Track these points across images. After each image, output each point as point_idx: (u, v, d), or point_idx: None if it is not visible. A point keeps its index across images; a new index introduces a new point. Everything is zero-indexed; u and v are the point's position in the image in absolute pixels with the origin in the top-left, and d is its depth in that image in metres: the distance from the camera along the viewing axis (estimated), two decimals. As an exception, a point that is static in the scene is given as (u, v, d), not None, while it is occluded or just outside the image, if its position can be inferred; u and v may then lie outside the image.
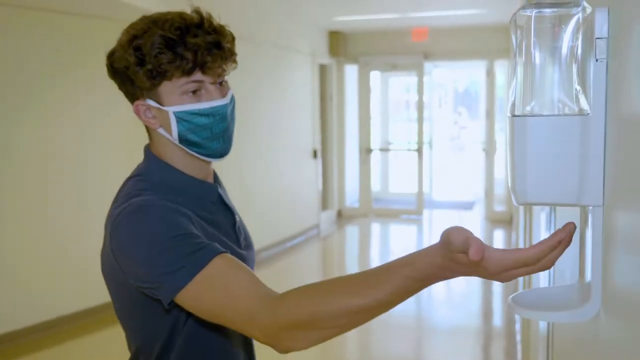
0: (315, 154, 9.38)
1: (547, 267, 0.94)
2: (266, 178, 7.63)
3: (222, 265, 1.22)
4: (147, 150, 1.44)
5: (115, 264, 1.31)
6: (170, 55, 1.28)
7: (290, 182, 8.53)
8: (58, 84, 5.21)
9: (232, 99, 1.40)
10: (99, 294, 5.37)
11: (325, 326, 1.14)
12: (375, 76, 11.21)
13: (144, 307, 1.34)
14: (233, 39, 1.39)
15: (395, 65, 10.52)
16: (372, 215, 10.44)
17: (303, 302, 1.15)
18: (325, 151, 9.97)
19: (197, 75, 1.32)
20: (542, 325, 2.14)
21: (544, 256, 0.93)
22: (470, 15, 8.57)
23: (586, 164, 0.87)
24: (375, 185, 11.22)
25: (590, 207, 0.90)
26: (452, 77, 15.17)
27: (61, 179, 5.28)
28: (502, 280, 1.00)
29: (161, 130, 1.38)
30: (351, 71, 10.46)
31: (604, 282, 0.87)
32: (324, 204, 9.96)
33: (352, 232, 9.96)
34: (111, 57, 1.35)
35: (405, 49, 9.95)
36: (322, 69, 9.76)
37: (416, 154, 10.25)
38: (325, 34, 9.74)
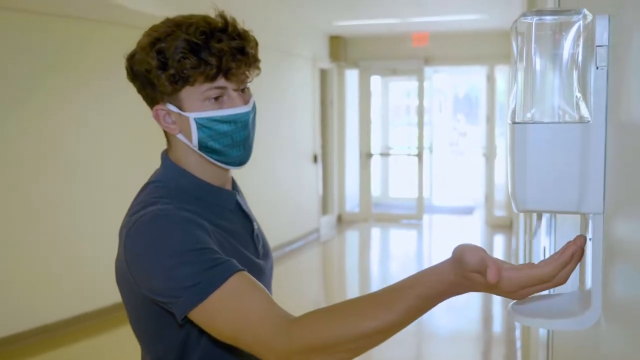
0: (315, 159, 9.38)
1: (562, 283, 0.95)
2: (266, 182, 7.63)
3: (238, 284, 1.19)
4: (165, 156, 1.41)
5: (128, 274, 1.28)
6: (195, 60, 1.24)
7: (291, 186, 8.53)
8: (44, 87, 5.22)
9: (254, 107, 1.37)
10: (100, 296, 5.40)
11: (340, 350, 1.12)
12: (375, 81, 11.22)
13: (158, 318, 1.30)
14: (256, 44, 1.36)
15: (396, 70, 10.53)
16: (372, 220, 10.44)
17: (317, 326, 1.13)
18: (326, 156, 9.97)
19: (220, 82, 1.28)
20: (542, 332, 2.13)
21: (559, 272, 0.93)
22: (470, 20, 8.58)
23: (586, 172, 0.87)
24: (376, 190, 11.22)
25: (591, 215, 0.90)
26: (452, 82, 15.18)
27: (47, 179, 5.29)
28: (516, 298, 0.99)
29: (180, 136, 1.34)
30: (352, 76, 10.47)
31: (605, 289, 0.87)
32: (324, 209, 9.96)
33: (352, 236, 9.96)
34: (131, 60, 1.32)
35: (406, 54, 9.96)
36: (323, 74, 9.77)
37: (416, 158, 10.25)
38: (326, 39, 9.75)
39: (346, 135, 10.36)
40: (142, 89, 1.34)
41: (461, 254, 0.99)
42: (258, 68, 1.36)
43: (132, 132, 5.72)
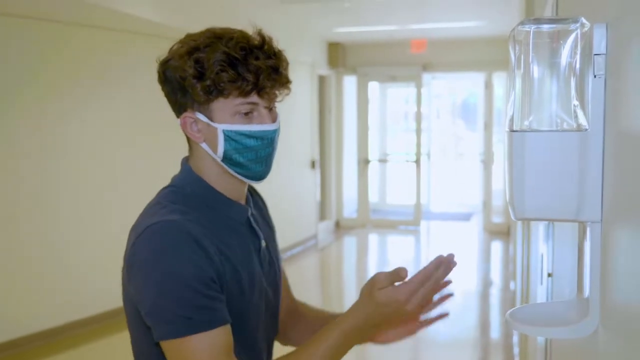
0: (313, 165, 9.39)
1: (442, 279, 1.32)
2: (264, 188, 7.60)
3: (218, 339, 1.24)
4: (185, 162, 1.43)
5: (125, 271, 1.32)
6: (232, 74, 1.27)
7: (288, 192, 8.53)
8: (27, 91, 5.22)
9: (279, 126, 1.40)
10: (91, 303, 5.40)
11: None
12: (373, 87, 11.23)
13: (139, 322, 1.32)
14: (288, 65, 1.38)
15: (394, 77, 10.55)
16: (369, 226, 10.44)
17: None
18: (324, 162, 9.97)
19: (253, 98, 1.31)
20: (540, 339, 2.13)
21: (433, 273, 1.29)
22: (469, 27, 8.61)
23: (584, 180, 0.87)
24: (373, 196, 11.22)
25: (589, 223, 0.90)
26: (450, 88, 15.20)
27: (34, 183, 5.28)
28: (411, 310, 1.27)
29: (204, 145, 1.36)
30: (350, 82, 10.48)
31: (602, 298, 0.87)
32: (322, 215, 9.95)
33: (349, 242, 9.95)
34: (165, 65, 1.33)
35: (404, 61, 9.97)
36: (321, 80, 9.78)
37: (414, 165, 10.26)
38: (325, 45, 9.76)
39: (344, 141, 10.37)
40: (171, 94, 1.36)
41: (370, 280, 1.28)
42: (288, 88, 1.39)
43: (123, 135, 5.73)
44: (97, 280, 5.33)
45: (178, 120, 1.37)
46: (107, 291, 5.23)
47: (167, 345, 1.23)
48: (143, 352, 1.37)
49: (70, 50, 5.29)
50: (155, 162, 5.82)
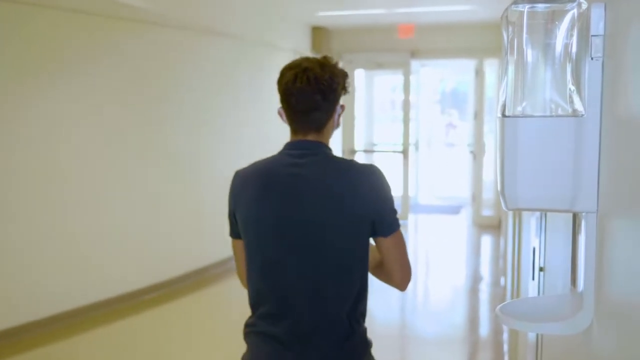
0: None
1: None
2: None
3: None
4: (316, 140, 1.98)
5: (368, 195, 1.90)
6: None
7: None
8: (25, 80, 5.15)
9: None
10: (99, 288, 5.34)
11: None
12: (359, 74, 11.22)
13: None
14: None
15: (381, 64, 10.53)
16: (355, 219, 10.41)
17: None
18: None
19: None
20: (531, 335, 2.14)
21: None
22: (459, 11, 8.60)
23: (580, 168, 0.87)
24: (359, 188, 11.18)
25: (584, 214, 0.89)
26: (440, 76, 15.23)
27: (18, 178, 5.23)
28: None
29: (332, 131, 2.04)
30: (335, 69, 10.44)
31: (597, 292, 0.86)
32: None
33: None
34: (337, 79, 1.94)
35: (391, 47, 9.95)
36: (305, 66, 9.73)
37: (401, 155, 10.26)
38: (308, 30, 9.72)
39: (329, 130, 10.33)
40: (326, 99, 1.94)
41: None
42: None
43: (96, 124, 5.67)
44: (50, 280, 5.26)
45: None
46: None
47: (388, 239, 1.89)
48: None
49: (29, 32, 5.19)
50: (105, 152, 5.78)
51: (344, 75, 2.00)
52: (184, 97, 6.58)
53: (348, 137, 10.42)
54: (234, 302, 4.65)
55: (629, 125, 0.72)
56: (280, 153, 2.00)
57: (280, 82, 2.01)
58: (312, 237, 1.84)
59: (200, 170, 6.82)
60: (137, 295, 5.96)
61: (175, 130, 6.46)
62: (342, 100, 2.03)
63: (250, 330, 1.94)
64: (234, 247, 2.03)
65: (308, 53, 9.58)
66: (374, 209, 1.85)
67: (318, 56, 2.01)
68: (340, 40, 10.10)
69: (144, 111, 6.09)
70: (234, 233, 1.99)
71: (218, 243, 4.98)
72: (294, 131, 2.03)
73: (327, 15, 9.02)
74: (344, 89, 2.00)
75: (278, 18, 8.49)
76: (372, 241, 1.92)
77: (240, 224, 1.93)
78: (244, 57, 7.45)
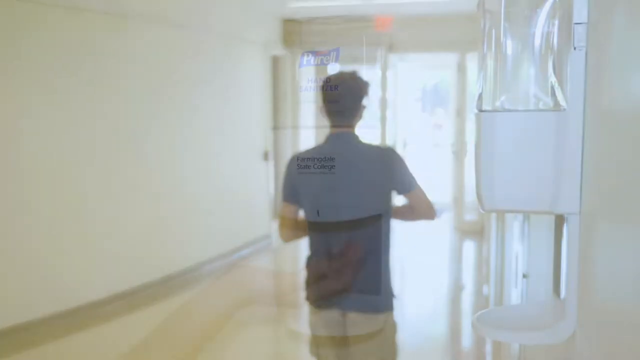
0: (266, 156, 9.34)
1: None
2: (209, 182, 7.57)
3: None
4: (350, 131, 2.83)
5: (384, 169, 2.84)
6: None
7: (238, 187, 8.47)
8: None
9: None
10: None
11: None
12: (334, 70, 11.22)
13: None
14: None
15: (356, 58, 10.54)
16: (329, 224, 10.42)
17: None
18: (278, 153, 9.93)
19: None
20: (515, 346, 2.14)
21: None
22: (439, 2, 8.64)
23: (561, 166, 0.86)
24: (334, 191, 11.19)
25: (566, 215, 0.89)
26: (419, 71, 15.29)
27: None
28: None
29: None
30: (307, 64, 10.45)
31: (581, 298, 0.86)
32: (276, 212, 9.93)
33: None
34: (365, 89, 2.88)
35: (368, 40, 9.97)
36: (275, 61, 9.72)
37: (379, 156, 10.27)
38: (279, 22, 9.71)
39: (301, 130, 10.34)
40: (359, 101, 2.84)
41: None
42: None
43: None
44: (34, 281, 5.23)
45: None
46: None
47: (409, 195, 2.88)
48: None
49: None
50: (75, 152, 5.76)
51: (368, 85, 2.90)
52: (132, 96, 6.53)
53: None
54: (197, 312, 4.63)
55: (614, 120, 0.71)
56: (327, 141, 2.81)
57: (323, 88, 2.84)
58: (355, 198, 2.79)
59: (184, 180, 6.78)
60: (98, 306, 5.92)
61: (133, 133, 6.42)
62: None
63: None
64: (285, 208, 2.96)
65: (279, 47, 9.57)
66: (393, 178, 2.84)
67: (351, 69, 2.93)
68: (313, 34, 10.10)
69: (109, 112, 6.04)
70: (292, 200, 2.91)
71: (184, 250, 4.96)
72: (333, 126, 2.83)
73: (300, 7, 9.02)
74: (366, 94, 2.89)
75: (245, 9, 8.48)
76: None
77: (302, 193, 2.84)
78: (206, 53, 7.42)
